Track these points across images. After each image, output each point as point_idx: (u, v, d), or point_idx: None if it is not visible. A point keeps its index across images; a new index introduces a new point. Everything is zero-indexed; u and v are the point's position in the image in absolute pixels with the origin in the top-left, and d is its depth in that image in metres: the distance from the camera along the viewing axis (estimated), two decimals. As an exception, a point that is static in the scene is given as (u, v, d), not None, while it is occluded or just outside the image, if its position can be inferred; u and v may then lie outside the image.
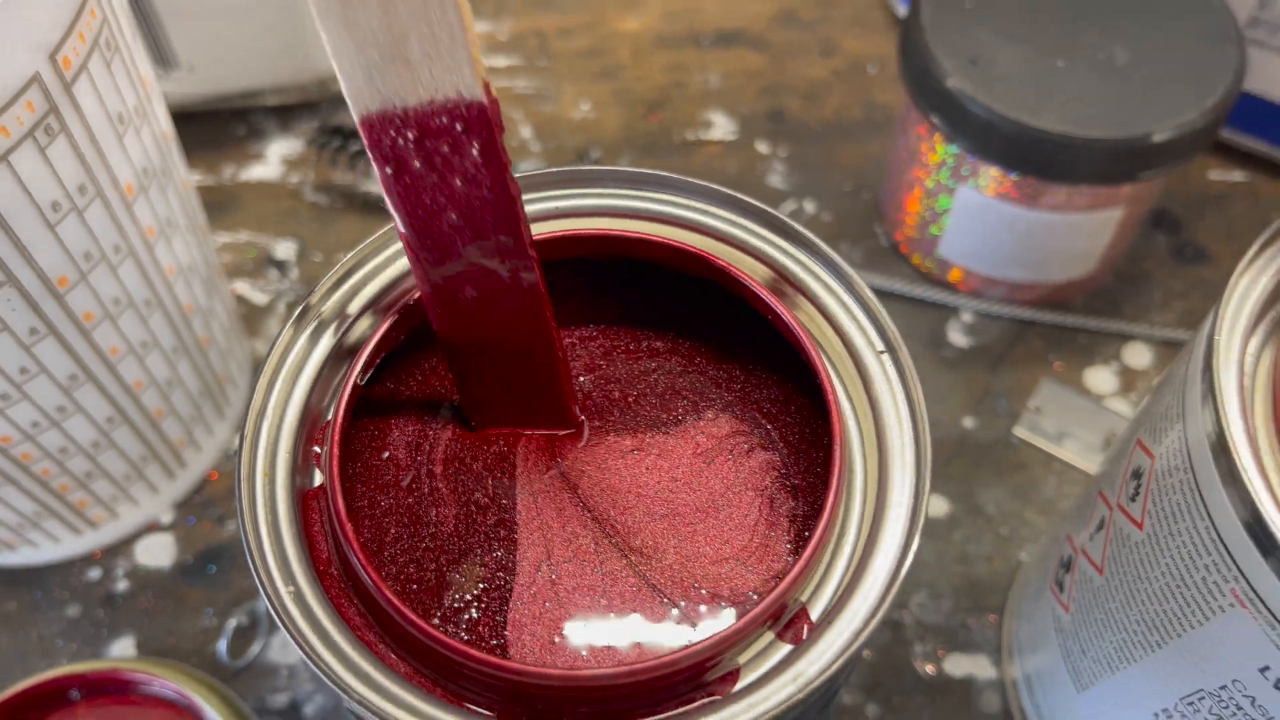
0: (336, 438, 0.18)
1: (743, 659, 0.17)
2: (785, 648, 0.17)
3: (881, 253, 0.37)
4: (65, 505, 0.29)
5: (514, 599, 0.18)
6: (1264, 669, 0.18)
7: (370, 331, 0.19)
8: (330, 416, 0.19)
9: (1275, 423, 0.18)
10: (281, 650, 0.30)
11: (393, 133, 0.16)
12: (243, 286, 0.36)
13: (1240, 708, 0.19)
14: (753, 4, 0.45)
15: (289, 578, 0.17)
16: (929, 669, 0.29)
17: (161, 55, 0.37)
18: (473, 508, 0.19)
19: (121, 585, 0.31)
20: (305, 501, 0.18)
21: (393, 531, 0.18)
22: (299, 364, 0.19)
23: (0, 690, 0.28)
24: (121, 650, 0.30)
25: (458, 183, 0.16)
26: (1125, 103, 0.31)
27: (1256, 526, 0.17)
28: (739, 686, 0.16)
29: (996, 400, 0.34)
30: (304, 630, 0.16)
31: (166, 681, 0.28)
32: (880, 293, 0.36)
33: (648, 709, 0.16)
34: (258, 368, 0.19)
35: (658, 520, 0.19)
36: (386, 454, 0.19)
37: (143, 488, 0.31)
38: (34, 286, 0.23)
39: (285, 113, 0.41)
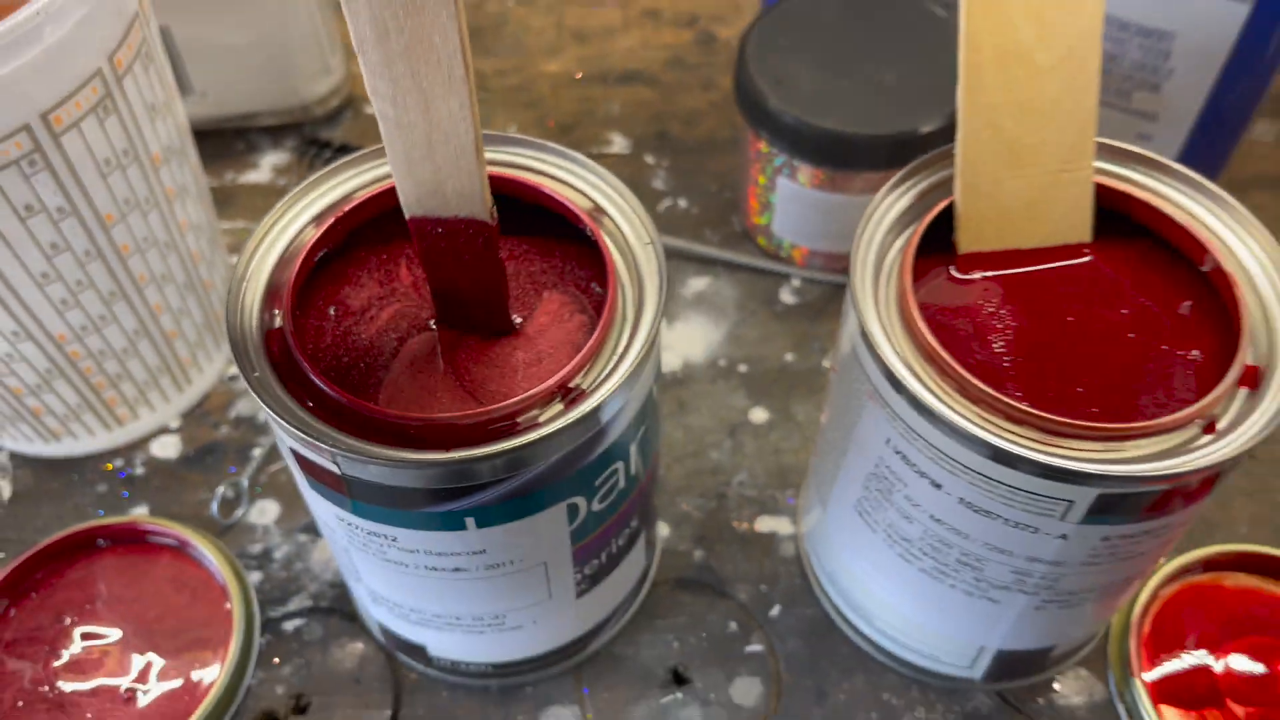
0: (291, 291, 0.28)
1: (542, 417, 0.26)
2: (566, 406, 0.26)
3: (735, 236, 0.48)
4: (100, 401, 0.39)
5: (387, 385, 0.27)
6: (888, 440, 0.28)
7: (315, 232, 0.29)
8: (284, 287, 0.29)
9: (898, 303, 0.28)
10: (258, 515, 0.39)
11: (429, 226, 0.26)
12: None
13: (887, 477, 0.29)
14: (650, 51, 0.56)
15: (257, 367, 0.27)
16: (744, 527, 0.39)
17: (181, 83, 0.48)
18: (376, 340, 0.29)
19: (139, 471, 0.41)
20: (268, 336, 0.28)
21: (325, 343, 0.28)
22: (267, 249, 0.29)
23: (46, 539, 0.38)
24: (138, 515, 0.40)
25: (466, 256, 0.27)
26: (895, 109, 0.41)
27: (864, 343, 0.27)
28: (538, 430, 0.26)
29: (813, 342, 0.44)
30: (265, 392, 0.26)
31: (173, 531, 0.38)
32: (732, 265, 0.47)
33: (489, 439, 0.26)
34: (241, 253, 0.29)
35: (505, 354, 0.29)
36: (328, 305, 0.29)
37: (157, 396, 0.41)
38: (90, 219, 0.33)
39: (276, 131, 0.52)
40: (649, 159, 0.51)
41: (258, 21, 0.47)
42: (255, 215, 0.48)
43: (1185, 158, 0.45)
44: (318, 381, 0.26)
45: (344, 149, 0.49)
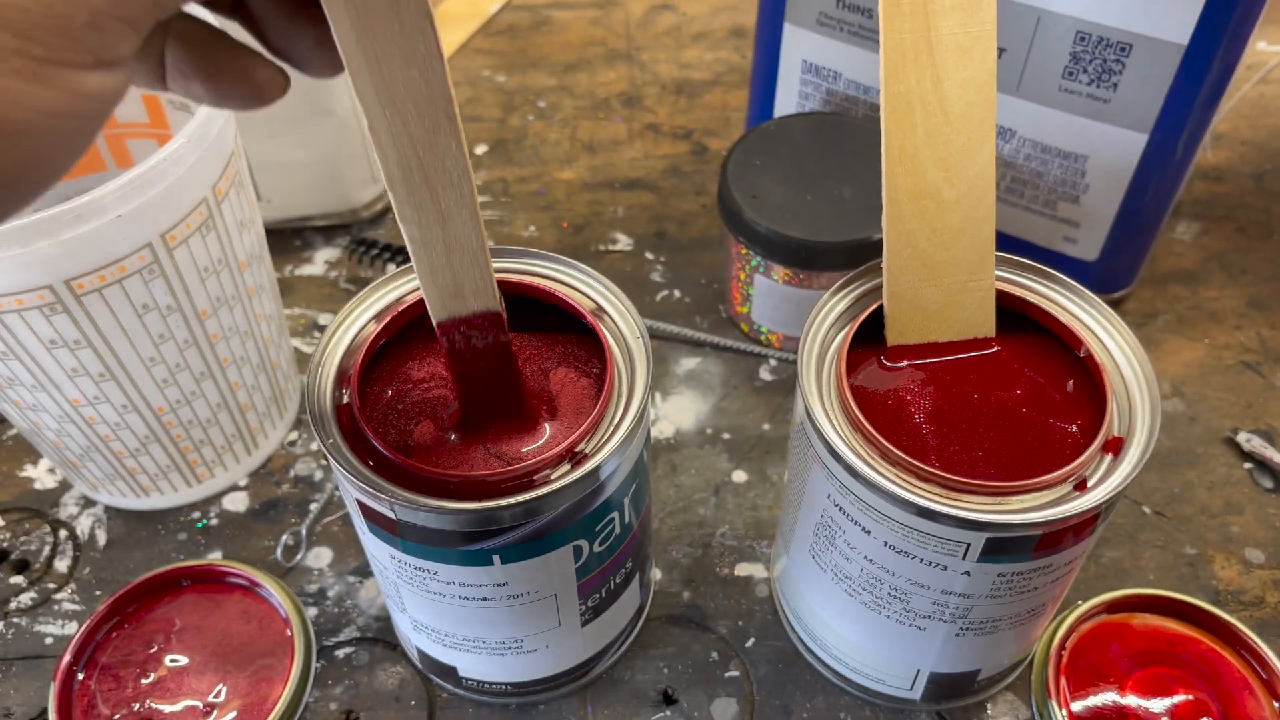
0: (357, 374, 0.35)
1: (554, 475, 0.34)
2: (572, 466, 0.34)
3: (722, 322, 0.56)
4: (185, 463, 0.46)
5: (431, 449, 0.35)
6: (828, 495, 0.35)
7: (375, 327, 0.37)
8: (351, 370, 0.36)
9: (836, 385, 0.36)
10: (314, 559, 0.47)
11: (453, 327, 0.33)
12: (297, 342, 0.55)
13: (830, 525, 0.36)
14: (650, 161, 0.64)
15: (331, 435, 0.34)
16: (726, 572, 0.46)
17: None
18: (423, 413, 0.36)
19: (214, 521, 0.48)
20: (339, 409, 0.35)
21: (383, 415, 0.36)
22: (337, 341, 0.37)
23: (136, 578, 0.45)
24: (213, 559, 0.47)
25: (485, 348, 0.34)
26: (852, 219, 0.49)
27: (807, 417, 0.34)
28: (549, 486, 0.33)
29: (786, 413, 0.51)
30: (337, 454, 0.33)
31: (244, 572, 0.45)
32: (719, 347, 0.54)
33: (512, 492, 0.33)
34: (312, 357, 0.36)
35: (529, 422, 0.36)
36: (385, 386, 0.37)
37: (230, 458, 0.48)
38: (190, 314, 0.41)
39: (328, 231, 0.60)
40: (649, 255, 0.59)
41: (316, 141, 0.56)
42: (311, 303, 0.56)
43: (1106, 256, 0.53)
44: (379, 446, 0.33)
45: (387, 247, 0.57)
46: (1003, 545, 0.33)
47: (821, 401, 0.35)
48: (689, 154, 0.65)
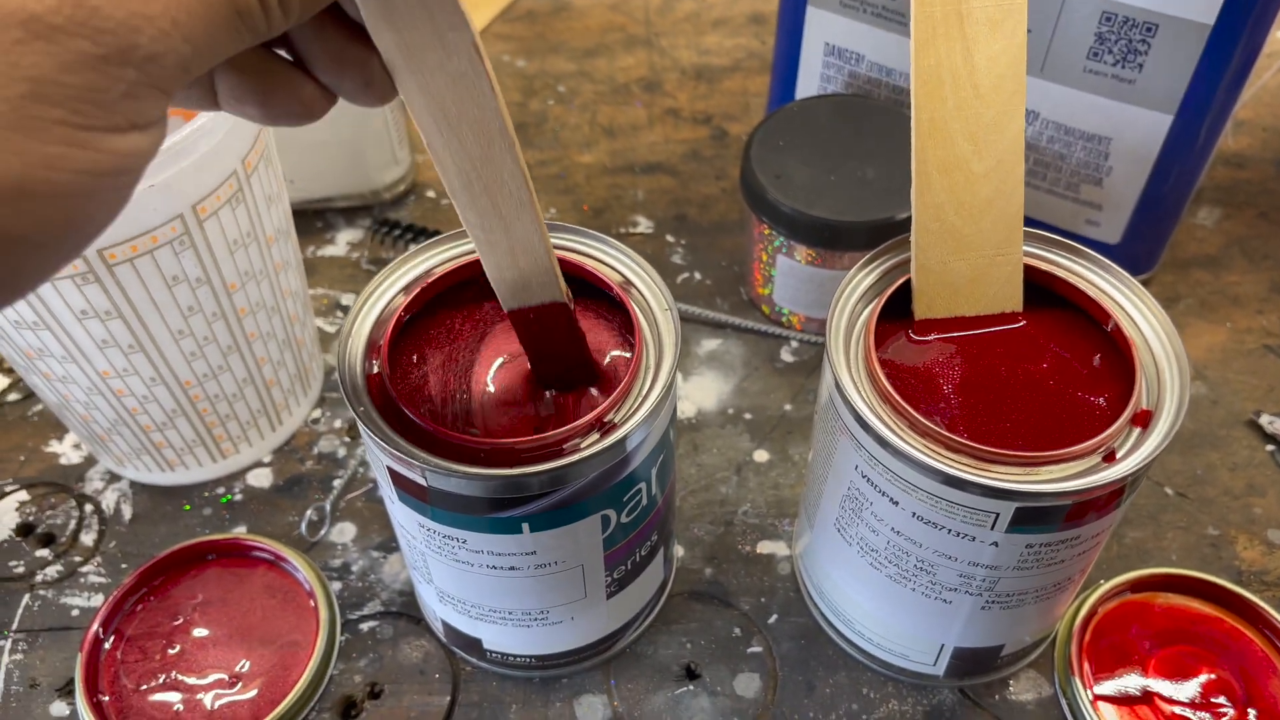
0: (386, 344, 0.35)
1: (583, 443, 0.34)
2: (601, 436, 0.34)
3: (743, 304, 0.56)
4: (210, 438, 0.47)
5: (461, 416, 0.35)
6: (856, 466, 0.35)
7: (404, 299, 0.37)
8: (381, 341, 0.37)
9: (864, 358, 0.36)
10: (338, 535, 0.47)
11: (523, 315, 0.34)
12: (320, 321, 0.55)
13: (857, 497, 0.36)
14: (670, 145, 0.64)
15: (362, 403, 0.34)
16: (748, 549, 0.46)
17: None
18: (451, 382, 0.36)
19: (239, 497, 0.48)
20: (369, 379, 0.36)
21: (412, 384, 0.36)
22: (367, 313, 0.37)
23: (163, 552, 0.45)
24: (238, 533, 0.47)
25: (554, 333, 0.34)
26: (875, 199, 0.49)
27: (836, 389, 0.35)
28: (578, 454, 0.33)
29: (808, 394, 0.51)
30: (369, 422, 0.34)
31: (269, 546, 0.46)
32: (740, 329, 0.54)
33: (542, 459, 0.33)
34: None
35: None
36: (414, 356, 0.37)
37: (255, 434, 0.48)
38: (219, 287, 0.41)
39: (350, 212, 0.60)
40: (669, 238, 0.59)
41: (339, 122, 0.56)
42: (334, 284, 0.57)
43: (1128, 240, 0.53)
44: (410, 414, 0.33)
45: (409, 228, 0.57)
46: (1032, 515, 0.33)
47: (850, 374, 0.35)
48: (709, 139, 0.65)
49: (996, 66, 0.35)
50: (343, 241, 0.59)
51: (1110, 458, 0.33)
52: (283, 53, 0.26)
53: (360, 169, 0.58)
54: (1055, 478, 0.33)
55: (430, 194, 0.62)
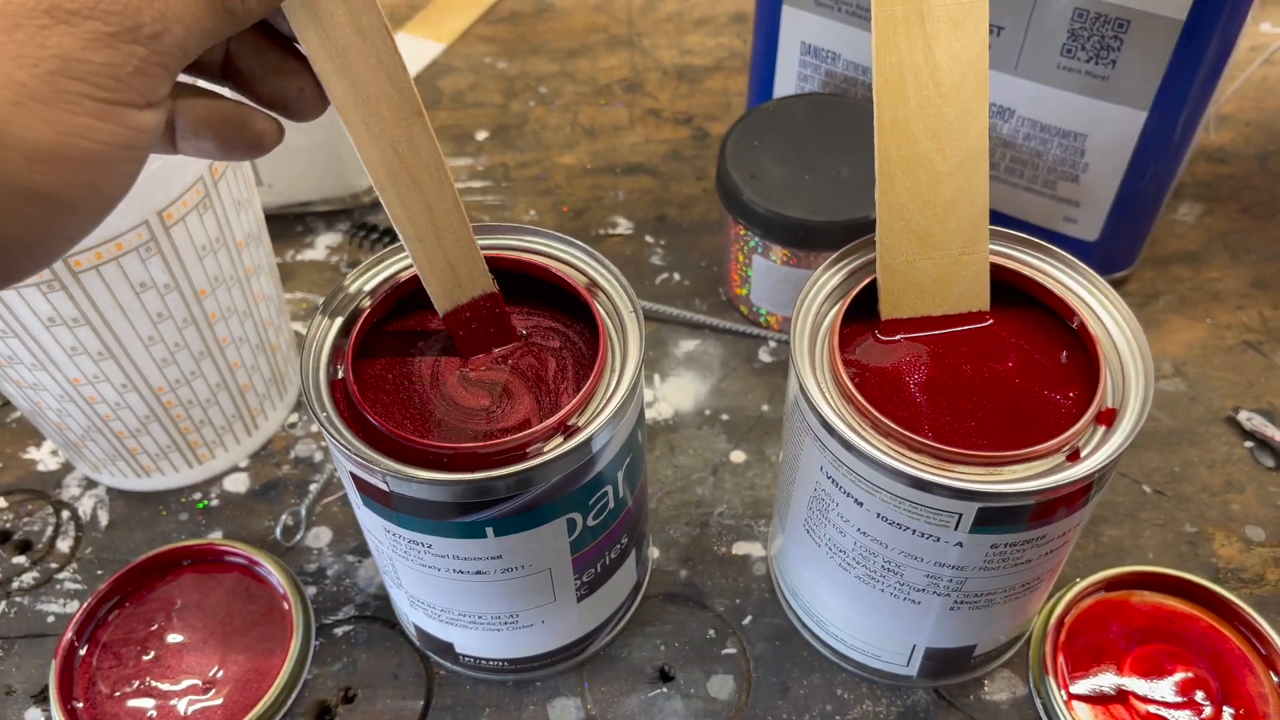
0: (351, 349, 0.35)
1: (546, 448, 0.34)
2: (564, 438, 0.34)
3: (722, 305, 0.56)
4: (185, 443, 0.47)
5: (424, 421, 0.35)
6: (821, 468, 0.35)
7: (369, 303, 0.37)
8: (346, 346, 0.37)
9: (829, 358, 0.36)
10: (314, 539, 0.47)
11: (459, 315, 0.35)
12: (298, 325, 0.55)
13: (823, 498, 0.36)
14: (651, 145, 0.64)
15: (325, 409, 0.34)
16: (723, 550, 0.46)
17: (254, 176, 0.57)
18: (416, 387, 0.36)
19: (215, 502, 0.48)
20: (333, 385, 0.36)
21: (377, 389, 0.36)
22: (329, 323, 0.37)
23: (138, 558, 0.45)
24: (214, 539, 0.47)
25: (491, 329, 0.35)
26: (849, 199, 0.49)
27: (800, 391, 0.34)
28: (541, 457, 0.33)
29: (785, 395, 0.51)
30: (331, 427, 0.34)
31: (244, 552, 0.45)
32: (718, 329, 0.54)
33: (505, 463, 0.33)
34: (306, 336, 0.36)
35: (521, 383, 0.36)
36: (380, 361, 0.37)
37: (231, 439, 0.48)
38: (188, 293, 0.41)
39: (329, 216, 0.60)
40: (649, 238, 0.59)
41: (318, 126, 0.56)
42: (313, 288, 0.57)
43: (1106, 237, 0.52)
44: (372, 419, 0.33)
45: (388, 232, 0.57)
46: (995, 515, 0.33)
47: (815, 375, 0.35)
48: (690, 139, 0.65)
49: (958, 65, 0.35)
50: (322, 245, 0.59)
51: (1075, 456, 0.33)
52: (229, 92, 0.29)
53: (339, 173, 0.58)
54: (1018, 477, 0.32)
55: (410, 197, 0.62)
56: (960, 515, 0.33)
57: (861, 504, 0.34)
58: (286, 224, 0.60)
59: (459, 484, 0.32)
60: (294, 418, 0.51)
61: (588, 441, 0.33)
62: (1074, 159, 0.50)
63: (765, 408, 0.51)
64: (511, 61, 0.71)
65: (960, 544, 0.34)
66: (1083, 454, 0.33)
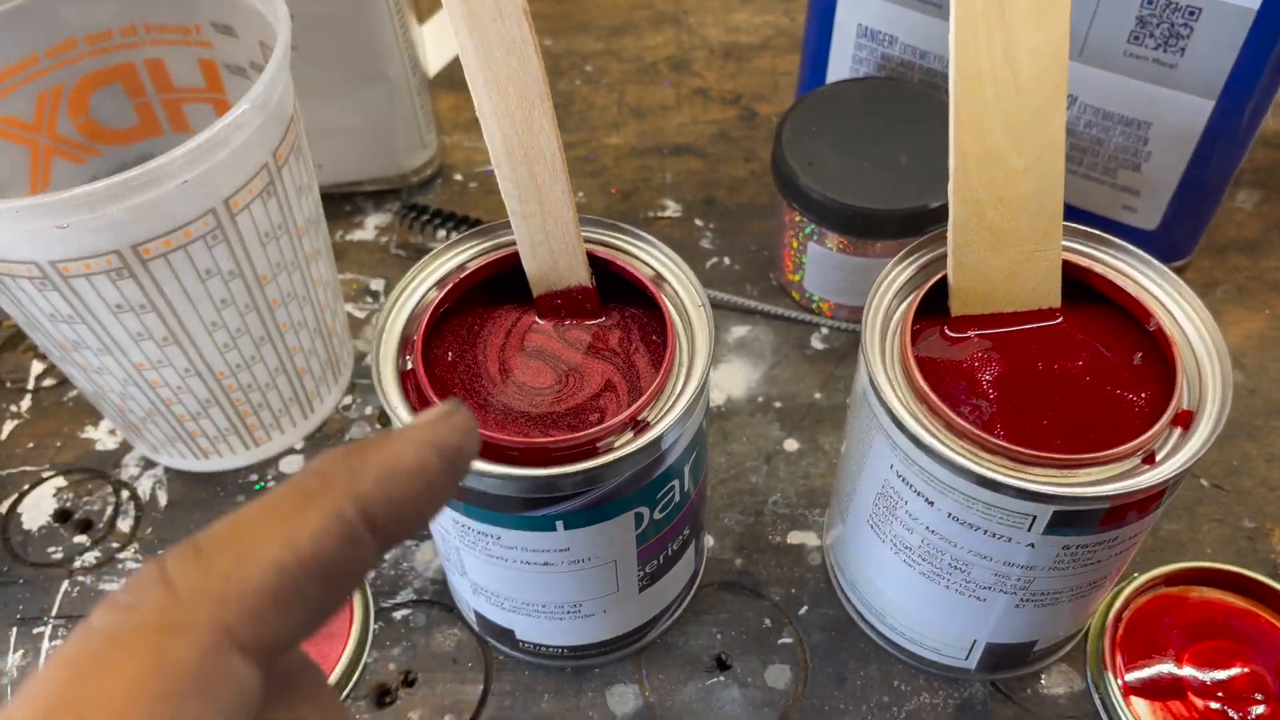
0: (420, 340, 0.35)
1: (618, 442, 0.34)
2: (635, 435, 0.34)
3: (772, 290, 0.55)
4: (244, 426, 0.47)
5: (495, 413, 0.35)
6: (891, 466, 0.35)
7: (435, 295, 0.37)
8: (415, 336, 0.37)
9: (900, 356, 0.36)
10: (370, 523, 0.47)
11: (550, 299, 0.35)
12: (350, 306, 0.55)
13: (891, 496, 0.36)
14: (699, 126, 0.64)
15: (396, 401, 0.34)
16: (778, 539, 0.46)
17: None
18: (485, 378, 0.36)
19: (271, 484, 0.49)
20: (402, 376, 0.36)
21: (446, 381, 0.36)
22: (400, 309, 0.37)
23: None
24: (270, 521, 0.47)
25: (577, 317, 0.36)
26: (907, 187, 0.48)
27: (872, 388, 0.34)
28: (612, 454, 0.33)
29: (839, 382, 0.51)
30: (401, 422, 0.34)
31: (300, 534, 0.46)
32: (769, 315, 0.54)
33: (577, 459, 0.33)
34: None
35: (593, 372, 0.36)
36: (448, 352, 0.37)
37: (287, 421, 0.49)
38: (251, 279, 0.41)
39: (378, 196, 0.60)
40: (698, 222, 0.58)
41: (368, 106, 0.56)
42: (362, 269, 0.57)
43: (1165, 226, 0.52)
44: (444, 413, 0.33)
45: (437, 213, 0.57)
46: (1069, 518, 0.32)
47: (886, 372, 0.35)
48: (737, 119, 0.64)
49: (1039, 59, 0.34)
50: (371, 225, 0.59)
51: (1150, 459, 0.33)
52: None
53: (389, 153, 0.58)
54: (1094, 480, 0.32)
55: (457, 177, 0.61)
56: (1034, 518, 0.33)
57: (933, 503, 0.34)
58: (335, 203, 0.59)
59: (530, 479, 0.32)
60: (348, 399, 0.51)
61: (658, 439, 0.33)
62: (1136, 147, 0.50)
63: (818, 395, 0.51)
64: (557, 39, 0.70)
65: (1032, 545, 0.34)
66: (1158, 457, 0.33)
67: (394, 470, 0.21)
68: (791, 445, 0.49)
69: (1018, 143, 0.35)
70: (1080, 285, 0.37)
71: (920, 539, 0.36)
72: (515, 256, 0.37)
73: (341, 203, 0.60)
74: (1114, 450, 0.32)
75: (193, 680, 0.17)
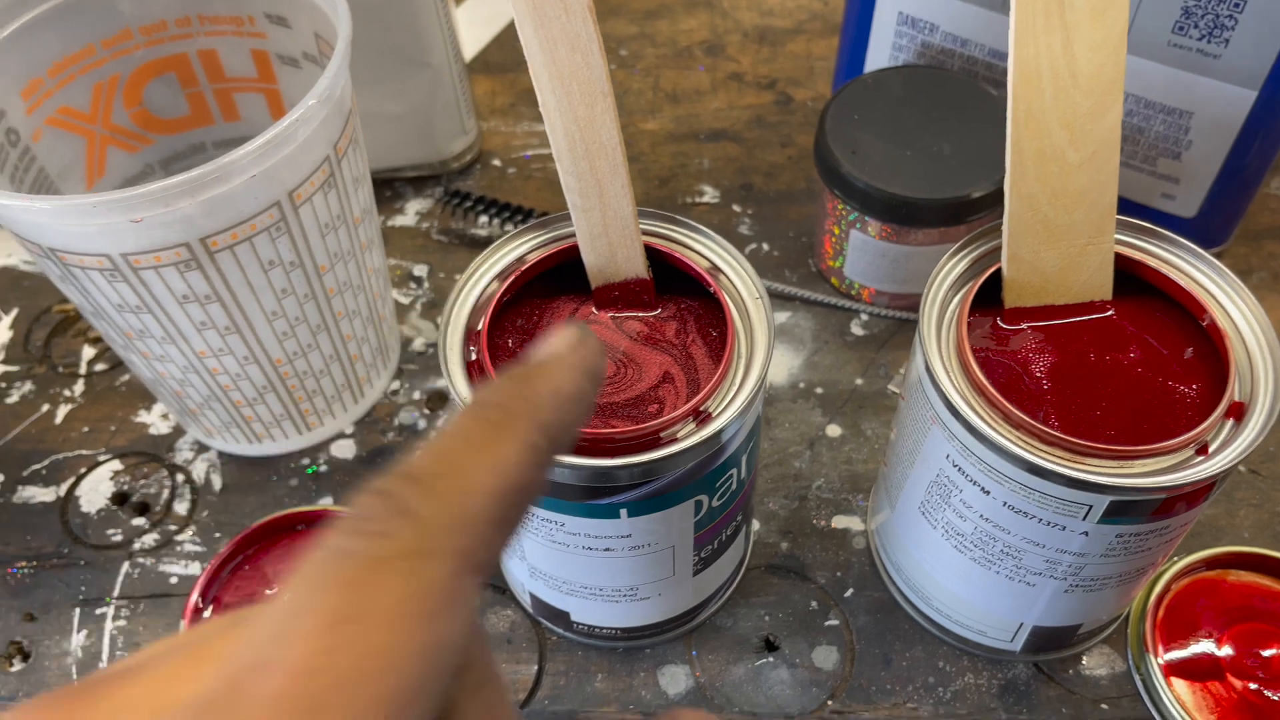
0: (485, 331, 0.36)
1: (680, 434, 0.34)
2: (697, 426, 0.34)
3: (812, 276, 0.56)
4: (297, 411, 0.48)
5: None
6: (947, 455, 0.36)
7: (497, 288, 0.38)
8: (480, 327, 0.37)
9: (956, 347, 0.36)
10: (421, 506, 0.48)
11: (608, 291, 0.36)
12: (394, 293, 0.56)
13: (945, 485, 0.37)
14: (735, 111, 0.64)
15: (463, 391, 0.35)
16: (822, 524, 0.47)
17: (345, 144, 0.57)
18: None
19: (324, 468, 0.50)
20: (468, 366, 0.36)
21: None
22: (463, 301, 0.38)
23: (254, 522, 0.47)
24: (324, 504, 0.48)
25: (635, 307, 0.36)
26: (950, 175, 0.49)
27: (929, 378, 0.35)
28: (675, 445, 0.34)
29: (879, 368, 0.52)
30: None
31: (355, 517, 0.47)
32: (809, 301, 0.55)
33: (641, 449, 0.34)
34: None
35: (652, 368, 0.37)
36: (510, 343, 0.38)
37: (339, 407, 0.49)
38: (310, 269, 0.42)
39: (419, 182, 0.60)
40: (736, 208, 0.59)
41: (410, 92, 0.56)
42: (405, 254, 0.57)
43: (1204, 213, 0.52)
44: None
45: (480, 199, 0.57)
46: (1124, 508, 0.33)
47: (943, 363, 0.35)
48: (773, 104, 0.65)
49: (1097, 56, 0.35)
50: (412, 211, 0.59)
51: (1203, 451, 0.34)
52: None
53: (430, 139, 0.59)
54: (1149, 471, 0.33)
55: (496, 163, 0.62)
56: (1090, 507, 0.33)
57: (989, 492, 0.35)
58: (377, 189, 0.60)
59: (596, 470, 0.33)
60: (396, 384, 0.52)
61: (719, 431, 0.34)
62: (1177, 136, 0.50)
63: (859, 381, 0.51)
64: (590, 22, 0.70)
65: (1086, 533, 0.34)
66: (1210, 448, 0.34)
67: (563, 397, 0.23)
68: (834, 431, 0.50)
69: (1074, 138, 0.35)
70: (1132, 278, 0.38)
71: (974, 526, 0.37)
72: (574, 249, 0.37)
73: (382, 188, 0.60)
74: (1170, 441, 0.33)
75: (448, 599, 0.19)
